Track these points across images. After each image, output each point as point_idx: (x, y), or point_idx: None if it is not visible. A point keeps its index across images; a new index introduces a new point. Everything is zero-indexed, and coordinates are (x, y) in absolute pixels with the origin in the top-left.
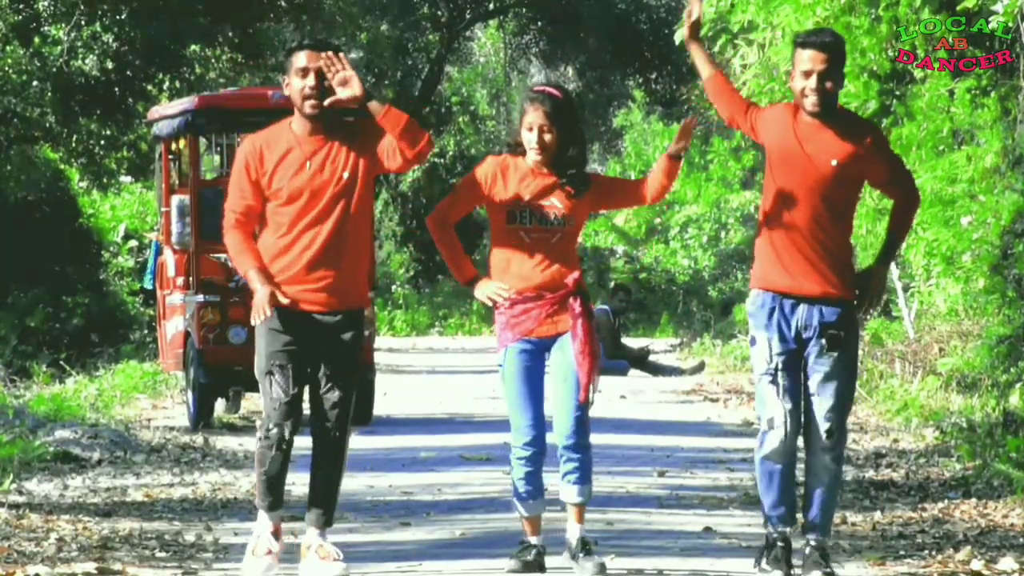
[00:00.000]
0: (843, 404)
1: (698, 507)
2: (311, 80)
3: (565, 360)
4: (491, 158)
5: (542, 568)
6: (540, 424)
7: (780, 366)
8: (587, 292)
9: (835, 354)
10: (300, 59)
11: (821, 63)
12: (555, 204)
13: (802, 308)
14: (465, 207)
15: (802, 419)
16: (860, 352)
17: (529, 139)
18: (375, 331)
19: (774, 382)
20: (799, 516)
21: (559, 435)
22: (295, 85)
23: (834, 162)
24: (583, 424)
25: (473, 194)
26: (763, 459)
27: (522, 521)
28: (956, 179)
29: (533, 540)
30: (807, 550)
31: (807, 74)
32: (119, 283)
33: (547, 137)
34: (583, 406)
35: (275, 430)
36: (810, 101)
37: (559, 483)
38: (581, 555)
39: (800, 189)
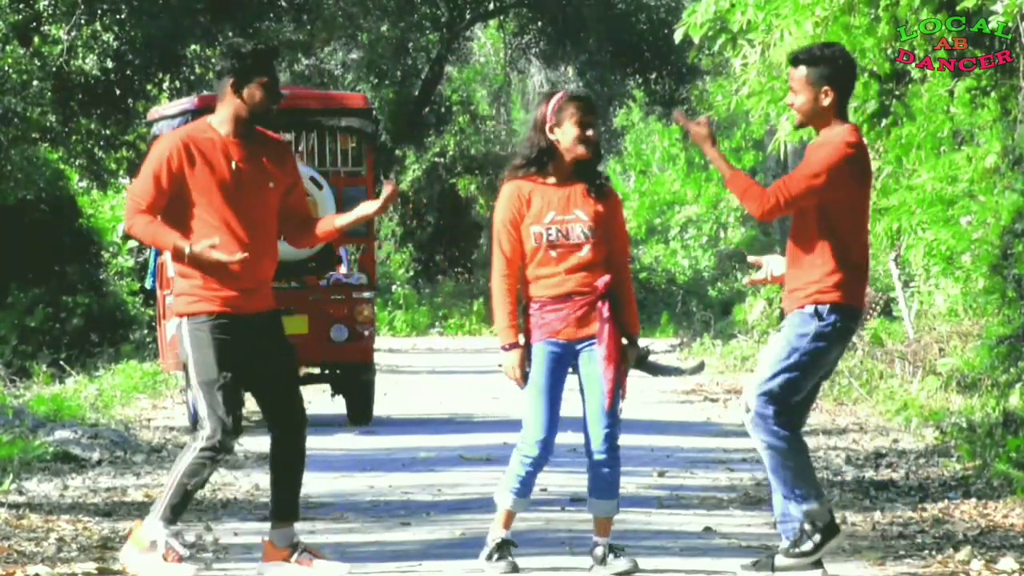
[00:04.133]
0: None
1: (698, 507)
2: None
3: (593, 371)
4: (505, 189)
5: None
6: (554, 427)
7: None
8: (620, 296)
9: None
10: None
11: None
12: (580, 217)
13: None
14: (515, 250)
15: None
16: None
17: (579, 133)
18: (375, 331)
19: None
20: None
21: (591, 447)
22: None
23: None
24: (614, 438)
25: (513, 233)
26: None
27: (501, 513)
28: (956, 179)
29: (505, 534)
30: None
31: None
32: (119, 283)
33: (590, 133)
34: (614, 419)
35: (226, 442)
36: None
37: (588, 498)
38: (611, 556)
39: None
